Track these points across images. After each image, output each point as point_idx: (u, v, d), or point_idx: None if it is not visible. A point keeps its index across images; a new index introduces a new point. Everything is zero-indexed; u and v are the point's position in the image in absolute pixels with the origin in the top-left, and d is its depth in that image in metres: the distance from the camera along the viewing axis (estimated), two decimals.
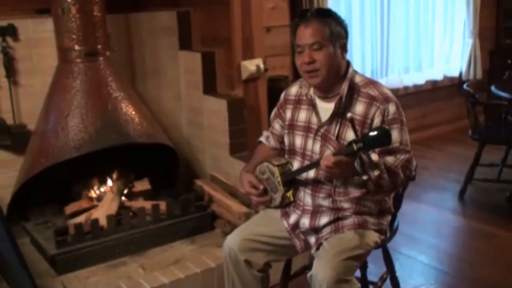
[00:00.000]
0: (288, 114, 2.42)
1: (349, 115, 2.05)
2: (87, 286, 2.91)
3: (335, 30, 2.21)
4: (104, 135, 3.16)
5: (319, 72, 2.20)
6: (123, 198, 3.42)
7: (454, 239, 3.79)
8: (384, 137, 1.98)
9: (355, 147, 1.99)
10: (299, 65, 2.25)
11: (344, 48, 2.26)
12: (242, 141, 3.68)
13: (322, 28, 2.19)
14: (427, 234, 3.74)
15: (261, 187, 2.37)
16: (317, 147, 2.30)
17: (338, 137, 2.25)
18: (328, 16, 2.23)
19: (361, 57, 5.09)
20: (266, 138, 2.56)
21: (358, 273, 2.41)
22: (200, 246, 3.27)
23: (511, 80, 4.63)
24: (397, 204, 2.50)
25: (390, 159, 2.17)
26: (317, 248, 2.27)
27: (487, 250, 3.51)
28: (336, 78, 2.24)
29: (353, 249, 2.19)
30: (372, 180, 2.06)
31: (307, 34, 2.20)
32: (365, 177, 2.05)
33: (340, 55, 2.24)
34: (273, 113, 2.54)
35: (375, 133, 1.97)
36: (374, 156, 2.11)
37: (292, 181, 2.36)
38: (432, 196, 4.35)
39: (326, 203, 2.30)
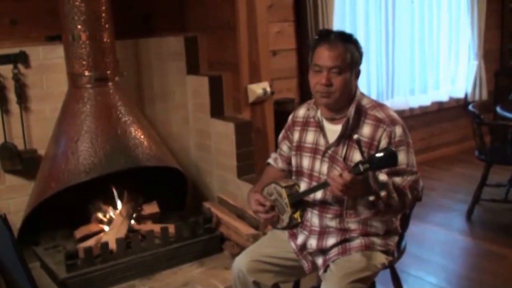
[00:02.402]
0: (296, 136, 2.44)
1: (355, 136, 2.07)
2: None
3: (355, 57, 2.23)
4: (113, 159, 3.20)
5: (332, 94, 2.23)
6: (132, 221, 3.45)
7: (462, 259, 3.78)
8: (390, 158, 1.99)
9: (361, 168, 2.01)
10: (314, 84, 2.25)
11: (358, 75, 2.29)
12: (250, 164, 3.71)
13: (345, 53, 2.20)
14: (435, 255, 3.73)
15: (268, 203, 2.37)
16: (324, 169, 2.32)
17: (345, 158, 2.27)
18: (350, 41, 2.24)
19: (367, 79, 5.12)
20: (274, 160, 2.59)
21: None
22: (208, 268, 3.28)
23: None
24: (404, 224, 2.52)
25: (397, 179, 2.19)
26: (325, 270, 2.28)
27: (496, 271, 3.49)
28: (346, 99, 2.27)
29: (360, 271, 2.20)
30: (381, 200, 2.08)
31: (329, 57, 2.20)
32: (371, 198, 2.06)
33: (354, 82, 2.27)
34: (281, 135, 2.56)
35: (381, 154, 1.99)
36: (383, 176, 2.13)
37: (299, 202, 2.38)
38: (439, 217, 4.34)
39: (333, 224, 2.31)
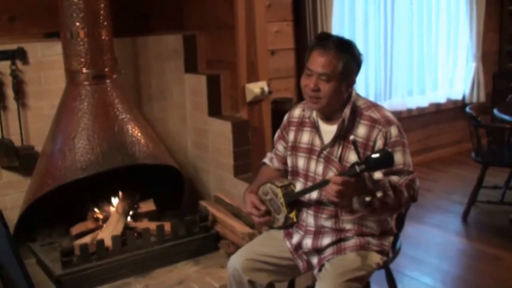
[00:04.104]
0: (291, 136, 2.45)
1: (352, 137, 2.07)
2: None
3: (348, 66, 2.20)
4: (110, 157, 3.20)
5: (320, 100, 2.23)
6: (128, 218, 3.45)
7: (458, 261, 3.79)
8: (386, 159, 2.00)
9: (358, 169, 2.01)
10: (304, 86, 2.27)
11: (351, 84, 2.27)
12: (247, 163, 3.71)
13: (337, 62, 2.18)
14: (431, 256, 3.74)
15: (263, 208, 2.38)
16: (320, 169, 2.33)
17: (340, 159, 2.28)
18: (347, 50, 2.21)
19: (365, 80, 5.13)
20: (270, 160, 2.59)
21: None
22: (204, 267, 3.28)
23: None
24: (399, 225, 2.52)
25: (394, 178, 2.20)
26: (319, 269, 2.29)
27: (492, 273, 3.51)
28: (337, 106, 2.27)
29: (355, 271, 2.21)
30: (377, 199, 2.09)
31: (320, 63, 2.19)
32: (368, 198, 2.07)
33: (344, 91, 2.24)
34: (276, 135, 2.57)
35: (377, 155, 1.99)
36: (378, 174, 2.13)
37: (295, 202, 2.38)
38: (435, 218, 4.35)
39: (328, 224, 2.32)
